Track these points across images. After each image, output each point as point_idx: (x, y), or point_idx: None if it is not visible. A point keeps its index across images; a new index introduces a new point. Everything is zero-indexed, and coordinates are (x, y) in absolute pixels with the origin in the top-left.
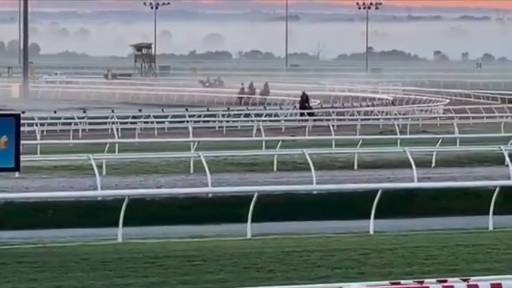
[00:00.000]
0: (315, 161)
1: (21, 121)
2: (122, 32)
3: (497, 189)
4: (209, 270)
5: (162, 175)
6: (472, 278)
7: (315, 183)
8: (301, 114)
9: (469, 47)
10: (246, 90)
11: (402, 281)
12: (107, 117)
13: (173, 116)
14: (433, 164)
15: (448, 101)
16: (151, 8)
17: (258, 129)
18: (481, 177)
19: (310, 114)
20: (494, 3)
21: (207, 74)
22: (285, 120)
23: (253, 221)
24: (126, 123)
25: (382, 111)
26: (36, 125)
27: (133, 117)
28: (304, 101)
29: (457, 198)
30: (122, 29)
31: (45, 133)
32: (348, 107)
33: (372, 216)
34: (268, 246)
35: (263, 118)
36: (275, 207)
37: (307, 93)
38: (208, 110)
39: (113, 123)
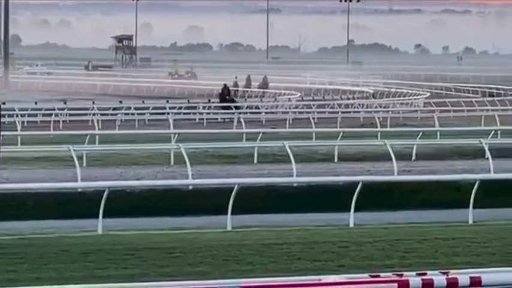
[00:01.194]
0: (295, 154)
1: (2, 112)
2: (103, 23)
3: (477, 183)
4: (189, 262)
5: (143, 167)
6: (452, 271)
7: (295, 176)
8: (223, 108)
9: (449, 40)
10: (242, 83)
11: (382, 274)
12: (87, 109)
13: (154, 108)
14: (414, 157)
15: (428, 94)
16: None
17: (239, 122)
18: (461, 171)
19: (231, 108)
20: None
21: (188, 66)
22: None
23: (233, 213)
24: (107, 114)
25: (363, 104)
26: (17, 116)
27: (114, 108)
28: (225, 94)
29: (437, 192)
30: (103, 21)
31: (25, 124)
32: (328, 99)
33: (352, 209)
34: (248, 239)
35: (244, 110)
36: (255, 200)
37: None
38: (189, 102)
39: (94, 114)
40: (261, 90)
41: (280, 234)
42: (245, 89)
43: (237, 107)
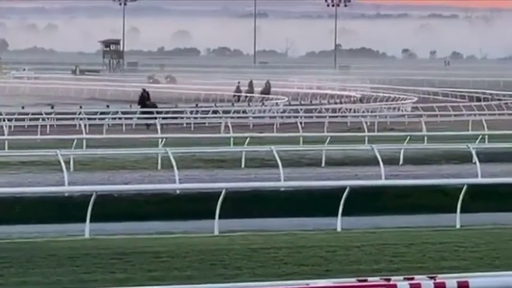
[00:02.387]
0: (282, 158)
1: None
2: (90, 28)
3: (464, 187)
4: (176, 267)
5: (130, 171)
6: (439, 275)
7: (282, 180)
8: (143, 113)
9: (437, 45)
10: (246, 88)
11: (369, 278)
12: (74, 113)
13: (141, 112)
14: (401, 162)
15: (416, 99)
16: (120, 4)
17: (226, 126)
18: (448, 175)
19: (152, 112)
20: (463, 2)
21: (175, 70)
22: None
23: (220, 217)
24: (94, 119)
25: (350, 109)
26: (4, 120)
27: (101, 113)
28: (145, 99)
29: (425, 196)
30: (90, 25)
31: (12, 128)
32: (316, 104)
33: (340, 213)
34: (235, 243)
35: (231, 115)
36: (243, 204)
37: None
38: (176, 107)
39: (81, 119)
40: (264, 95)
41: (267, 238)
42: (248, 94)
43: (158, 112)
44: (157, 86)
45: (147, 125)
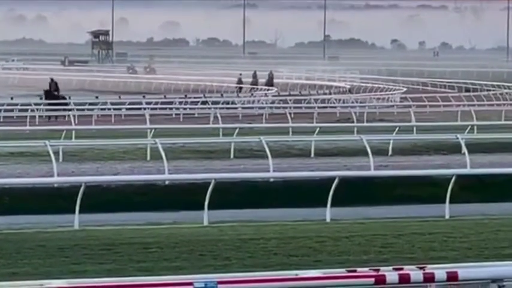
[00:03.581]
0: (272, 149)
1: None
2: (79, 18)
3: (453, 178)
4: (165, 258)
5: (119, 162)
6: (428, 266)
7: (272, 171)
8: (49, 104)
9: (426, 35)
10: (251, 79)
11: (358, 269)
12: (64, 104)
13: (130, 103)
14: (390, 152)
15: (405, 89)
16: None
17: (215, 117)
18: (437, 166)
19: (59, 104)
20: None
21: (164, 61)
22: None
23: (210, 208)
24: (83, 109)
25: (339, 100)
26: None
27: (90, 104)
28: (53, 90)
29: (414, 187)
30: (79, 16)
31: (1, 119)
32: (305, 94)
33: (329, 204)
34: (224, 234)
35: (220, 106)
36: (232, 195)
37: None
38: (165, 97)
39: (70, 109)
40: (267, 87)
41: (257, 229)
42: (252, 86)
43: (65, 104)
44: (136, 77)
45: (53, 117)
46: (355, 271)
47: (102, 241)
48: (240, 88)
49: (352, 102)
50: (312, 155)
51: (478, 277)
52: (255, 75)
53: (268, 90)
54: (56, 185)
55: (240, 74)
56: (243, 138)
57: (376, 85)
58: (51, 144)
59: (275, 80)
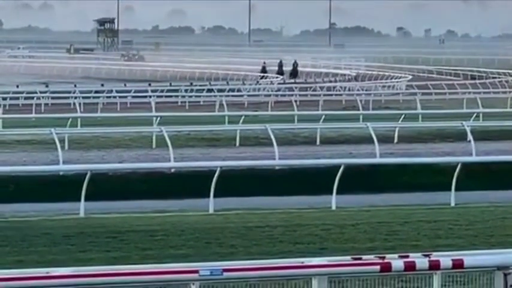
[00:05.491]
0: (277, 137)
1: None
2: (85, 6)
3: (459, 166)
4: (171, 245)
5: (125, 150)
6: (434, 253)
7: (277, 159)
8: None
9: (431, 23)
10: (277, 69)
11: (364, 257)
12: (69, 92)
13: (136, 91)
14: (396, 140)
15: (410, 77)
16: None
17: (221, 105)
18: (443, 153)
19: None
20: None
21: (170, 49)
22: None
23: (215, 196)
24: (89, 97)
25: (345, 87)
26: None
27: (96, 91)
28: None
29: (419, 174)
30: (85, 4)
31: (7, 107)
32: (310, 82)
33: (334, 191)
34: (230, 221)
35: (226, 93)
36: (237, 183)
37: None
38: (171, 85)
39: (75, 97)
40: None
41: (262, 217)
42: (277, 75)
43: None
44: (130, 64)
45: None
46: (360, 258)
47: (107, 229)
48: (263, 77)
49: (358, 90)
50: (318, 142)
51: (484, 265)
52: (280, 65)
53: (294, 82)
54: (61, 173)
55: (264, 63)
56: (249, 125)
57: (382, 73)
58: (56, 132)
59: (285, 68)
